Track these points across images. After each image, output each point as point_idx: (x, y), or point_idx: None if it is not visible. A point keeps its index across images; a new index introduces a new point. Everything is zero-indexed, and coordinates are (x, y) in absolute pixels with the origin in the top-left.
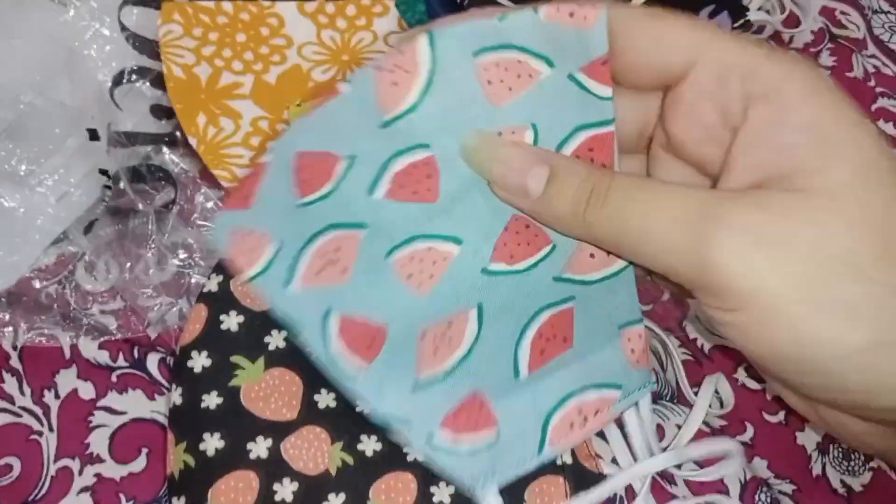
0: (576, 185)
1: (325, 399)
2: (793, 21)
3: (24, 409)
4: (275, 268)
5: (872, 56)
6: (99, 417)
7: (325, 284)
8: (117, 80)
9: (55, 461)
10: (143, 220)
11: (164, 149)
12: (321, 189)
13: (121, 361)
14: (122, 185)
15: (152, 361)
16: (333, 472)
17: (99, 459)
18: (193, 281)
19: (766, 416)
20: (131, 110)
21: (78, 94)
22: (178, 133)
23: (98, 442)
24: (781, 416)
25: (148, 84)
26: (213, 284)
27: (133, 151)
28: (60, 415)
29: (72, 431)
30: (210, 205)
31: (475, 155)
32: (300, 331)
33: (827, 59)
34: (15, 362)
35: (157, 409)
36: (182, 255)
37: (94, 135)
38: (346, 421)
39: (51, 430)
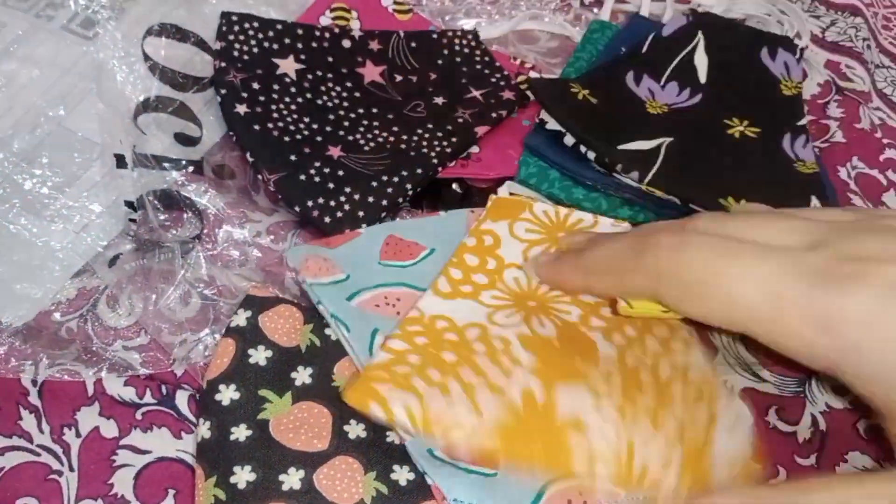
0: None
1: (355, 429)
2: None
3: (42, 447)
4: (338, 286)
5: (878, 108)
6: (122, 457)
7: (378, 314)
8: (140, 109)
9: (76, 502)
10: (167, 255)
11: (190, 185)
12: (402, 261)
13: (148, 398)
14: (147, 213)
15: (181, 398)
16: (368, 501)
17: (124, 501)
18: (219, 316)
19: (798, 460)
20: (156, 137)
21: (100, 123)
22: (204, 162)
23: (122, 482)
24: (813, 459)
25: (170, 113)
26: (241, 319)
27: (160, 176)
28: (82, 454)
29: (94, 471)
30: (236, 236)
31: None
32: (349, 330)
33: (835, 110)
34: (34, 398)
35: (183, 448)
36: (205, 290)
37: (121, 161)
38: (378, 451)
39: (71, 469)
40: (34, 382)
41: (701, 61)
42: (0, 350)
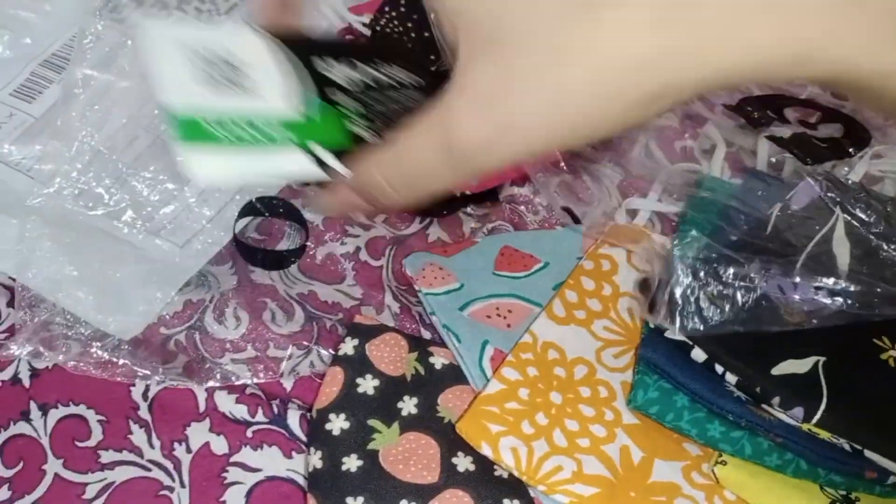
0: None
1: (463, 462)
2: None
3: (153, 462)
4: (452, 296)
5: None
6: (233, 474)
7: (489, 325)
8: None
9: None
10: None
11: (292, 199)
12: (515, 272)
13: (259, 416)
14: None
15: (293, 417)
16: None
17: None
18: (322, 332)
19: None
20: None
21: None
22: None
23: (234, 500)
24: None
25: None
26: (348, 348)
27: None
28: (193, 470)
29: (205, 488)
30: (336, 252)
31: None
32: (460, 340)
33: None
34: (144, 413)
35: (293, 467)
36: (308, 306)
37: None
38: (488, 484)
39: (182, 485)
40: (144, 397)
41: (841, 249)
42: (110, 358)
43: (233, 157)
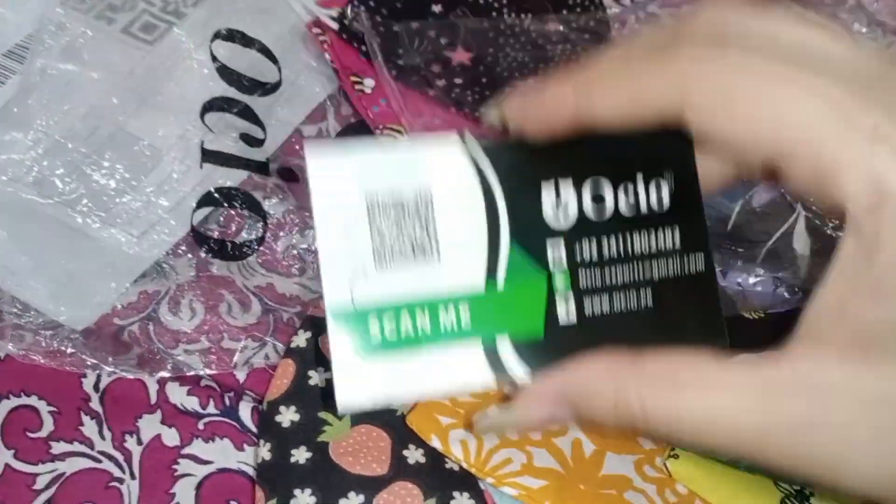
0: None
1: (413, 455)
2: None
3: (103, 453)
4: None
5: None
6: (184, 466)
7: None
8: (207, 108)
9: None
10: (228, 257)
11: (253, 191)
12: None
13: (211, 408)
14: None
15: (245, 409)
16: None
17: None
18: (279, 324)
19: None
20: (224, 135)
21: (157, 129)
22: (270, 164)
23: (184, 492)
24: None
25: (235, 114)
26: (301, 340)
27: (227, 175)
28: (143, 462)
29: (156, 480)
30: (296, 244)
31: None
32: None
33: None
34: (95, 404)
35: (244, 460)
36: (265, 298)
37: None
38: (437, 477)
39: (133, 477)
40: (96, 388)
41: (801, 243)
42: (60, 347)
43: (390, 368)
